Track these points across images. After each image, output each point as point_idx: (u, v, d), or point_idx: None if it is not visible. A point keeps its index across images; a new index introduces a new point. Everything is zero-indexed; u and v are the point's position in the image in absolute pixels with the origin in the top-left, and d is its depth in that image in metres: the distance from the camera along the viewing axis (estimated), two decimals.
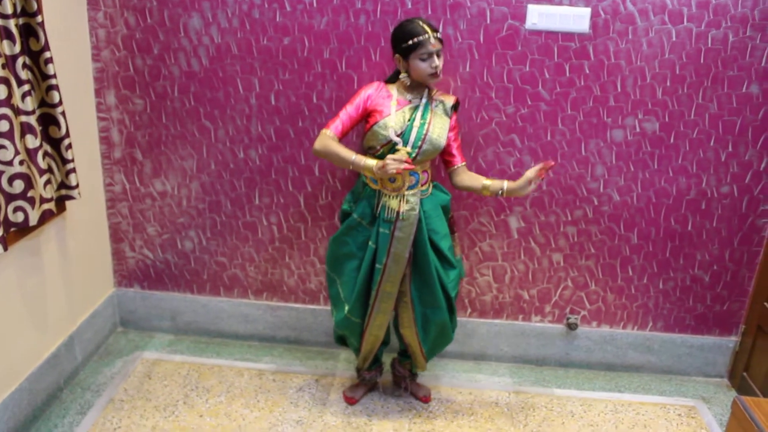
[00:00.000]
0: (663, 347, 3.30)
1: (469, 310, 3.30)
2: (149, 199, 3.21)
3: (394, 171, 2.40)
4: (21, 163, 2.38)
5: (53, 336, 2.90)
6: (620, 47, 2.78)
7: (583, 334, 3.30)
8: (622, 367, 3.35)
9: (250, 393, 3.03)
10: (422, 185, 2.62)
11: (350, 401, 2.99)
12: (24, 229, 2.56)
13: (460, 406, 3.02)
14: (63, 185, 2.69)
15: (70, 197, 2.72)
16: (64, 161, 2.64)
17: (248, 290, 3.36)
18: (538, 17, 2.75)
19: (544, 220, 3.10)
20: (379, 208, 2.62)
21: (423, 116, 2.54)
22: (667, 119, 2.89)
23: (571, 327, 3.26)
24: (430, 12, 2.78)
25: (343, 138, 2.58)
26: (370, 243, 2.65)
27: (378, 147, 2.55)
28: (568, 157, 2.98)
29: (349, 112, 2.57)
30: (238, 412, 2.89)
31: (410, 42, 2.44)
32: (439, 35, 2.45)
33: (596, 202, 3.05)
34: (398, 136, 2.51)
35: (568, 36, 2.79)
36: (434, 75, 2.48)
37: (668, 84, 2.83)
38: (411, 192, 2.58)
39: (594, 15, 2.74)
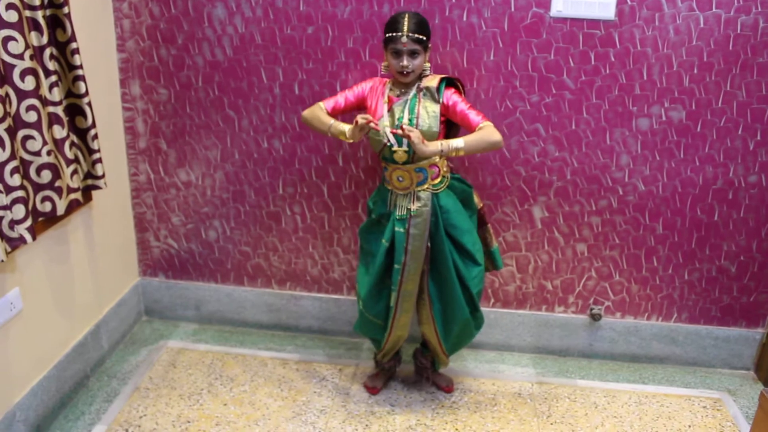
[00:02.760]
0: (688, 339, 3.27)
1: (492, 300, 3.29)
2: (174, 188, 3.23)
3: (361, 122, 2.40)
4: (49, 153, 2.40)
5: (80, 324, 2.93)
6: (646, 34, 2.75)
7: (607, 324, 3.28)
8: (646, 359, 3.33)
9: (274, 382, 3.05)
10: (433, 180, 2.58)
11: (372, 391, 3.00)
12: (52, 219, 2.58)
13: (483, 396, 3.02)
14: (89, 175, 2.71)
15: (97, 187, 2.74)
16: (91, 151, 2.66)
17: (272, 280, 3.37)
18: (563, 4, 2.73)
19: (569, 210, 3.08)
20: (393, 207, 2.63)
21: (411, 111, 2.51)
22: (693, 107, 2.85)
23: (595, 318, 3.24)
24: (453, 0, 2.76)
25: (333, 116, 2.61)
26: (383, 241, 2.65)
27: (378, 151, 2.58)
28: (592, 147, 2.96)
29: (347, 95, 2.63)
30: (261, 401, 2.91)
31: (387, 34, 2.44)
32: (416, 36, 2.40)
33: (621, 192, 3.02)
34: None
35: (594, 23, 2.76)
36: (401, 74, 2.46)
37: (695, 71, 2.79)
38: (421, 188, 2.57)
39: (620, 2, 2.71)
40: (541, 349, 3.36)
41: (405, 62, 2.42)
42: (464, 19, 2.79)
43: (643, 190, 3.01)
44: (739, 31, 2.71)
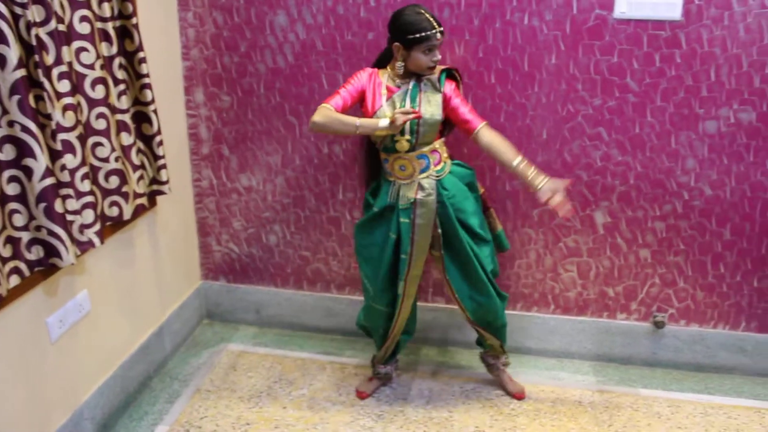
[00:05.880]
0: (757, 348, 3.16)
1: (553, 307, 3.24)
2: (235, 194, 3.28)
3: (402, 122, 2.40)
4: (116, 159, 2.47)
5: (144, 326, 3.00)
6: (714, 34, 2.68)
7: (671, 332, 3.20)
8: (713, 368, 3.23)
9: (333, 386, 3.06)
10: (435, 166, 2.60)
11: (361, 395, 3.00)
12: (118, 223, 2.65)
13: (543, 403, 2.97)
14: (154, 181, 2.77)
15: (161, 192, 2.80)
16: (156, 157, 2.72)
17: (331, 284, 3.39)
18: (627, 6, 2.68)
19: (632, 215, 3.02)
20: (395, 198, 2.63)
21: (413, 99, 2.52)
22: (764, 109, 2.76)
23: (658, 325, 3.17)
24: (515, 3, 2.74)
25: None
26: (390, 234, 2.66)
27: (378, 141, 2.58)
28: (657, 151, 2.89)
29: (349, 90, 2.56)
30: (320, 405, 2.93)
31: (417, 35, 2.42)
32: (442, 29, 2.46)
33: (686, 197, 2.95)
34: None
35: (659, 24, 2.70)
36: (432, 68, 2.50)
37: (767, 71, 2.70)
38: (423, 176, 2.58)
39: (686, 1, 2.64)
40: (602, 356, 3.30)
41: (438, 56, 2.48)
42: (525, 22, 2.77)
43: (710, 195, 2.93)
44: None
